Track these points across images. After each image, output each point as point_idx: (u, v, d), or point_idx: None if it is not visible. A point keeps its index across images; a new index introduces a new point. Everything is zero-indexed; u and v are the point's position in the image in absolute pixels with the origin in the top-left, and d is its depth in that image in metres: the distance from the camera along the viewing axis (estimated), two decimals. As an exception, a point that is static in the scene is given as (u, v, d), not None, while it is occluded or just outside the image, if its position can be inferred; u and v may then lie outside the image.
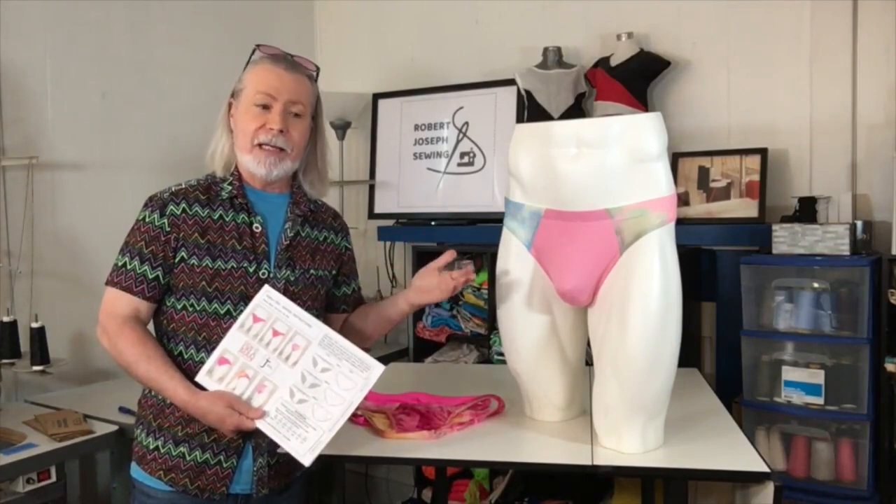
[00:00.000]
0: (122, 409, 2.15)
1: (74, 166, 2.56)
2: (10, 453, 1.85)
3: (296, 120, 1.52)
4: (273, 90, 1.49)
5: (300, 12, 3.48)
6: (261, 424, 1.36)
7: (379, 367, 1.35)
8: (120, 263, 1.48)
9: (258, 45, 1.56)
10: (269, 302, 1.42)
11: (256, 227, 1.52)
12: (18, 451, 1.87)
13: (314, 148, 1.61)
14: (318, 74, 1.61)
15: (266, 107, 1.49)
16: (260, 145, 1.49)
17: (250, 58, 1.56)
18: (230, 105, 1.55)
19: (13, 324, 2.25)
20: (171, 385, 1.41)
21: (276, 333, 1.40)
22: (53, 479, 1.95)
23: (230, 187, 1.53)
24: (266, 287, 1.44)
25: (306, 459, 1.32)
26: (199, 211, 1.49)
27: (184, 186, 1.53)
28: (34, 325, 2.26)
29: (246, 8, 3.16)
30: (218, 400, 1.38)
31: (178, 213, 1.48)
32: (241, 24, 3.10)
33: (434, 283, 1.57)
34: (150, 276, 1.47)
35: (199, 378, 1.41)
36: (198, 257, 1.47)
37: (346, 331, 1.67)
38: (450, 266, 1.58)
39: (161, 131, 2.80)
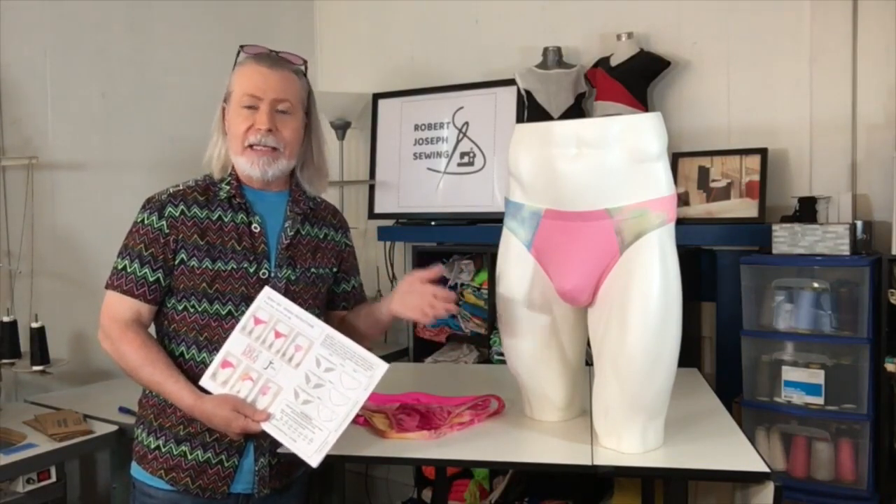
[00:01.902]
0: (122, 409, 2.15)
1: (74, 166, 2.56)
2: (10, 453, 1.85)
3: (285, 117, 1.51)
4: (258, 90, 1.48)
5: (300, 12, 3.48)
6: (266, 427, 1.36)
7: (383, 366, 1.35)
8: (120, 266, 1.48)
9: (242, 46, 1.55)
10: (269, 303, 1.42)
11: (255, 227, 1.51)
12: (18, 451, 1.87)
13: (310, 144, 1.60)
14: (306, 68, 1.59)
15: (253, 107, 1.49)
16: (251, 146, 1.48)
17: (236, 59, 1.56)
18: (224, 109, 1.55)
19: (13, 324, 2.25)
20: (176, 389, 1.41)
21: (278, 335, 1.40)
22: (53, 479, 1.95)
23: (228, 187, 1.52)
24: (266, 289, 1.44)
25: (314, 460, 1.32)
26: (198, 212, 1.49)
27: (181, 188, 1.52)
28: (34, 325, 2.26)
29: (246, 8, 3.16)
30: (223, 403, 1.38)
31: (177, 214, 1.48)
32: (241, 24, 3.10)
33: (416, 301, 1.50)
34: (151, 279, 1.47)
35: (203, 382, 1.41)
36: (197, 259, 1.47)
37: (343, 329, 1.67)
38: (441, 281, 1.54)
39: (161, 131, 2.80)
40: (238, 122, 1.49)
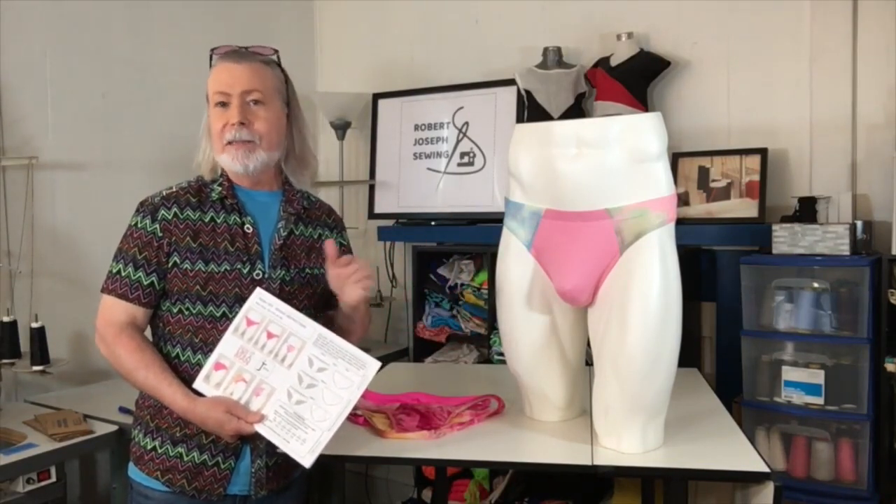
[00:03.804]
0: (122, 409, 2.15)
1: (74, 166, 2.56)
2: (10, 453, 1.85)
3: (258, 108, 1.50)
4: (226, 86, 1.49)
5: (300, 12, 3.48)
6: (260, 428, 1.36)
7: (375, 364, 1.35)
8: (114, 270, 1.48)
9: (213, 49, 1.55)
10: (261, 304, 1.42)
11: (248, 228, 1.51)
12: (18, 451, 1.87)
13: (291, 134, 1.59)
14: (279, 58, 1.58)
15: (225, 104, 1.49)
16: (230, 143, 1.48)
17: (210, 64, 1.56)
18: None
19: (13, 324, 2.25)
20: (170, 392, 1.41)
21: (270, 336, 1.40)
22: (53, 479, 1.95)
23: (220, 188, 1.52)
24: (258, 290, 1.43)
25: (306, 461, 1.31)
26: (191, 214, 1.49)
27: (174, 190, 1.52)
28: (34, 325, 2.26)
29: (246, 8, 3.16)
30: (216, 406, 1.37)
31: (170, 217, 1.48)
32: (241, 25, 3.10)
33: (339, 285, 1.50)
34: (145, 283, 1.47)
35: (197, 384, 1.41)
36: (190, 261, 1.46)
37: (334, 329, 1.67)
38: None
39: (161, 131, 2.80)
40: (214, 121, 1.51)
